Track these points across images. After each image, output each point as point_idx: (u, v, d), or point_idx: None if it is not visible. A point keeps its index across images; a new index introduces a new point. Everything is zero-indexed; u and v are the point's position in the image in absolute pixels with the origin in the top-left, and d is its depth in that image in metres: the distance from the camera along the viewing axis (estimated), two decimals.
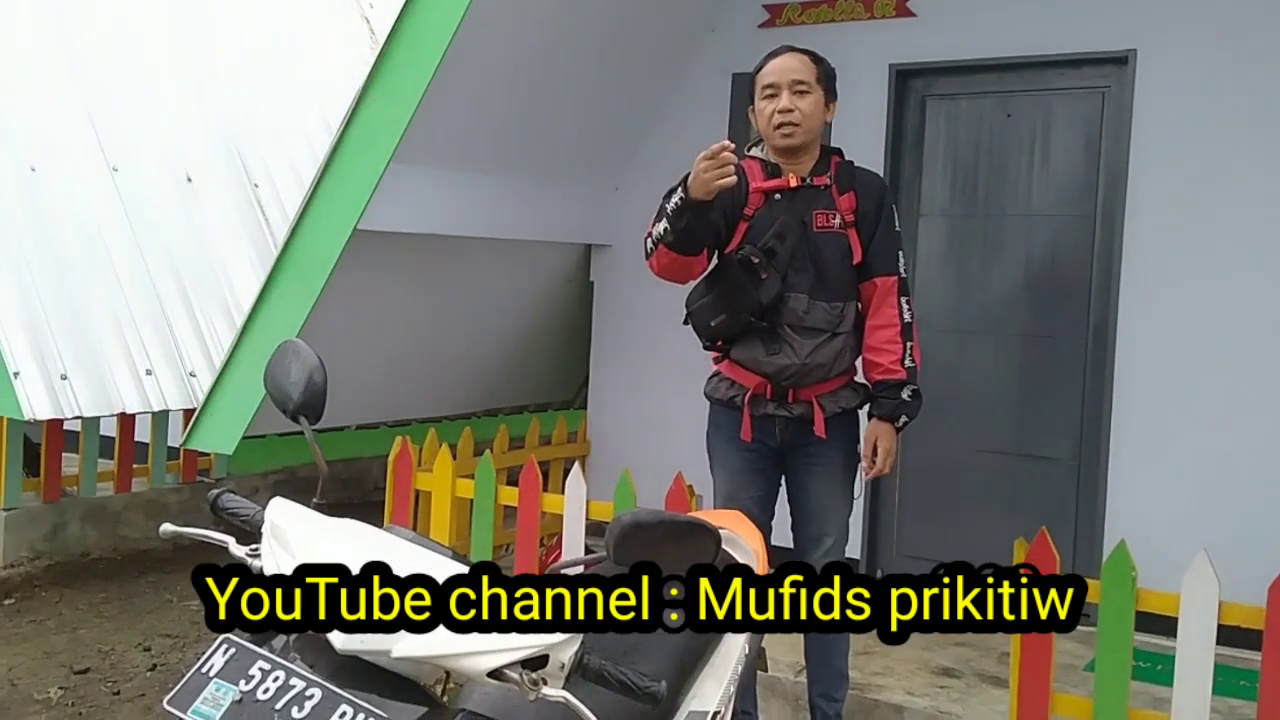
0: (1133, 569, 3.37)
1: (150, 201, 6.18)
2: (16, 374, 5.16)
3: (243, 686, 1.58)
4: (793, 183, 3.33)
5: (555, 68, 5.01)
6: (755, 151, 3.43)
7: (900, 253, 3.42)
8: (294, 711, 1.55)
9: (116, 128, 6.24)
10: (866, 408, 3.44)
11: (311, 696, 1.57)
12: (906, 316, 3.37)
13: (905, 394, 3.34)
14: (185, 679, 1.62)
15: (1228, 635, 3.29)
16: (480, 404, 6.55)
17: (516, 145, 5.20)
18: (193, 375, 5.88)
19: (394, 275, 5.31)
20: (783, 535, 3.47)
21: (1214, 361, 4.50)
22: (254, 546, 1.83)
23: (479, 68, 4.62)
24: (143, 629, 5.04)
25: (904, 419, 3.37)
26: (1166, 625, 3.37)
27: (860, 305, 3.41)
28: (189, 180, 6.35)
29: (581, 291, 6.20)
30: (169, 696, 1.60)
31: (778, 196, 3.34)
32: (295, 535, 1.74)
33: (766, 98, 3.34)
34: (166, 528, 1.97)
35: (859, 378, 3.48)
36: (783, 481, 3.50)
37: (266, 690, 1.58)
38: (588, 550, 4.06)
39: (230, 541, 1.88)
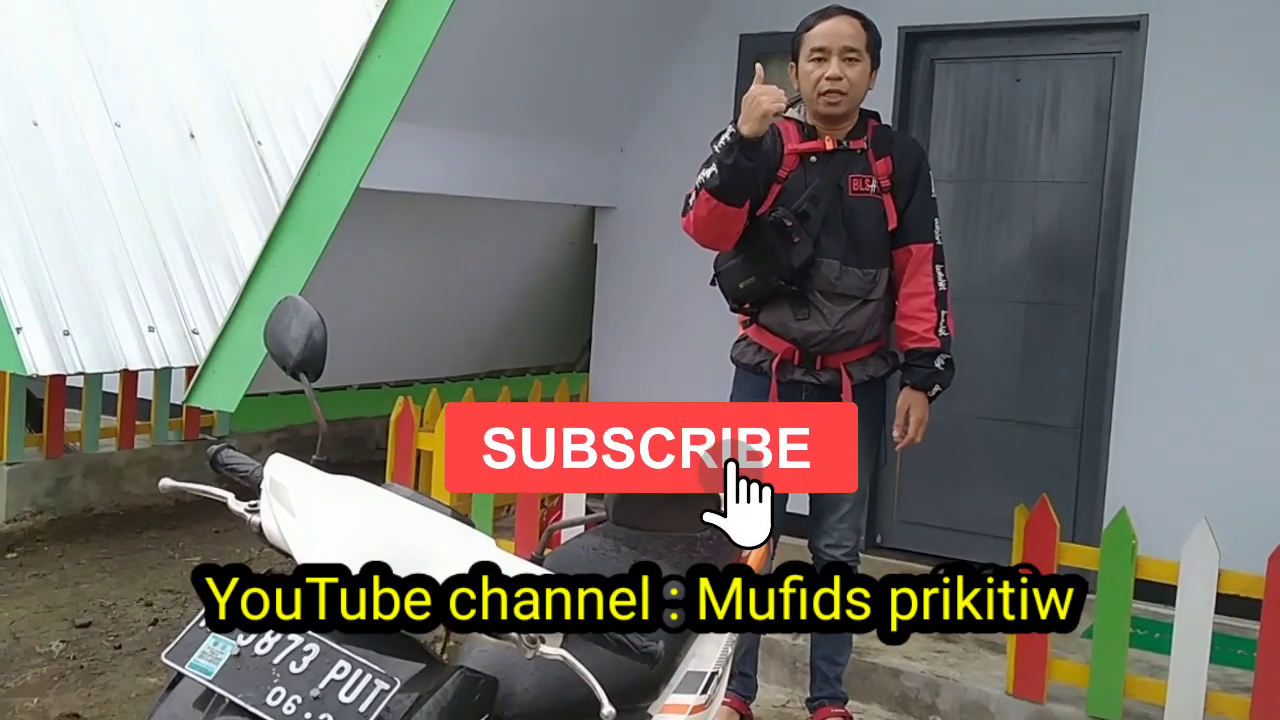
0: (1133, 536, 3.37)
1: (153, 157, 6.14)
2: (19, 329, 5.15)
3: (240, 641, 1.59)
4: (829, 146, 3.27)
5: (560, 27, 4.96)
6: (792, 113, 3.34)
7: (936, 220, 3.36)
8: (292, 666, 1.56)
9: (119, 83, 6.20)
10: (895, 376, 3.41)
11: (309, 651, 1.57)
12: (941, 285, 3.32)
13: (939, 363, 3.30)
14: (183, 633, 1.62)
15: (1226, 604, 3.30)
16: (482, 365, 6.55)
17: (521, 105, 5.15)
18: (195, 332, 5.87)
19: (397, 235, 5.29)
20: (798, 502, 3.45)
21: (1219, 331, 4.48)
22: (253, 503, 1.83)
23: (484, 26, 4.57)
24: (144, 584, 5.06)
25: (937, 388, 3.33)
26: (1165, 593, 3.38)
27: (894, 272, 3.35)
28: (192, 136, 6.31)
29: (585, 253, 6.18)
30: (167, 650, 1.61)
31: (813, 159, 3.29)
32: (294, 492, 1.74)
33: (814, 60, 3.24)
34: (166, 483, 1.97)
35: (889, 345, 3.44)
36: None
37: (264, 645, 1.58)
38: (588, 511, 4.07)
39: (229, 497, 1.87)
